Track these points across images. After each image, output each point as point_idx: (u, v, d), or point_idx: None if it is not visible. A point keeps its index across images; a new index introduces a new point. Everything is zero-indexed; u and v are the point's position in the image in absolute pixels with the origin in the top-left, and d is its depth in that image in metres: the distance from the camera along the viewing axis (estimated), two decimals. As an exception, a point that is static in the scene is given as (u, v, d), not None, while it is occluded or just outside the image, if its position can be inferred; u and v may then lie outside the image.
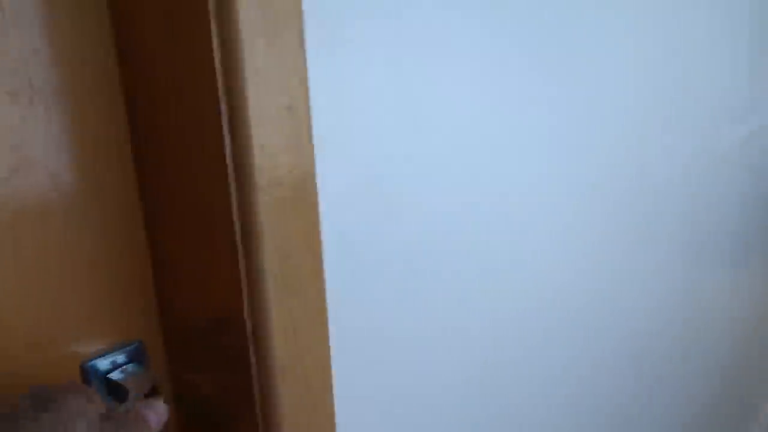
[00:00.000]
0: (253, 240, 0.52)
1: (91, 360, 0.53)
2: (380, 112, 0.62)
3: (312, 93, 0.54)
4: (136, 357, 0.55)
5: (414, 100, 0.65)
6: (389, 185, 0.65)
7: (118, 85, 0.54)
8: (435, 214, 0.71)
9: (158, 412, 0.43)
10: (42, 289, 0.51)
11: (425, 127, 0.67)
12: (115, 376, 0.52)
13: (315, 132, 0.56)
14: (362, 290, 0.64)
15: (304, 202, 0.55)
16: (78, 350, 0.52)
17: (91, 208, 0.53)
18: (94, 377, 0.52)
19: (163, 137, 0.55)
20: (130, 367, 0.54)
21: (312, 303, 0.55)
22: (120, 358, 0.54)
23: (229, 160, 0.50)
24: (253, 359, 0.53)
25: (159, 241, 0.58)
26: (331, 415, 0.59)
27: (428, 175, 0.69)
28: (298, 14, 0.51)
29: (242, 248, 0.52)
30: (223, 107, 0.49)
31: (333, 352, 0.58)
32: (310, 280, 0.55)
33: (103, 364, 0.52)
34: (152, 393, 0.54)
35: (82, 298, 0.53)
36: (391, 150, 0.64)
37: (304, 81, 0.52)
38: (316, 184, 0.55)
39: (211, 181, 0.52)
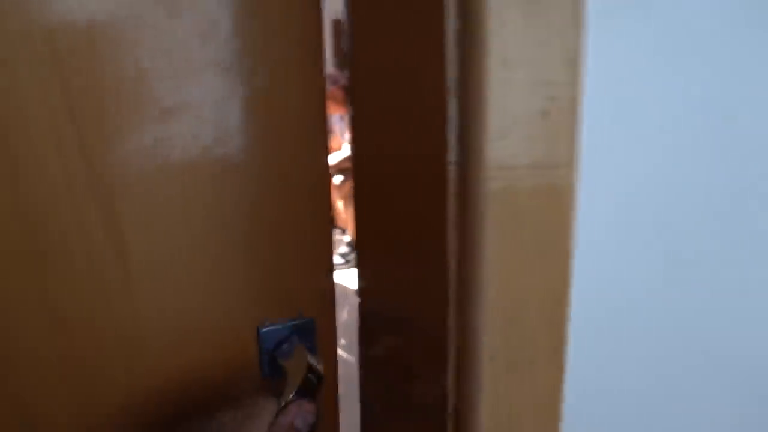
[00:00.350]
0: (471, 281, 0.38)
1: (265, 327, 0.53)
2: (676, 123, 0.42)
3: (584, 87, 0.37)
4: (306, 333, 0.54)
5: (728, 115, 0.43)
6: (672, 225, 0.44)
7: (321, 69, 0.49)
8: (727, 274, 0.48)
9: (306, 416, 0.46)
10: (227, 255, 0.50)
11: (735, 155, 0.44)
12: (281, 347, 0.54)
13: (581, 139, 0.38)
14: (612, 374, 0.46)
15: (553, 241, 0.38)
16: (254, 316, 0.52)
17: (278, 185, 0.50)
18: (263, 345, 0.53)
19: (378, 133, 0.44)
20: (296, 340, 0.54)
21: (544, 386, 0.39)
22: (290, 331, 0.54)
23: (452, 174, 0.36)
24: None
25: (365, 237, 0.49)
26: None
27: (723, 219, 0.46)
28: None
29: (455, 291, 0.39)
30: (452, 107, 0.34)
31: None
32: (547, 354, 0.39)
33: (273, 333, 0.54)
34: (310, 373, 0.50)
35: (264, 267, 0.51)
36: (683, 177, 0.43)
37: (575, 71, 0.35)
38: (573, 218, 0.38)
39: (427, 193, 0.39)
